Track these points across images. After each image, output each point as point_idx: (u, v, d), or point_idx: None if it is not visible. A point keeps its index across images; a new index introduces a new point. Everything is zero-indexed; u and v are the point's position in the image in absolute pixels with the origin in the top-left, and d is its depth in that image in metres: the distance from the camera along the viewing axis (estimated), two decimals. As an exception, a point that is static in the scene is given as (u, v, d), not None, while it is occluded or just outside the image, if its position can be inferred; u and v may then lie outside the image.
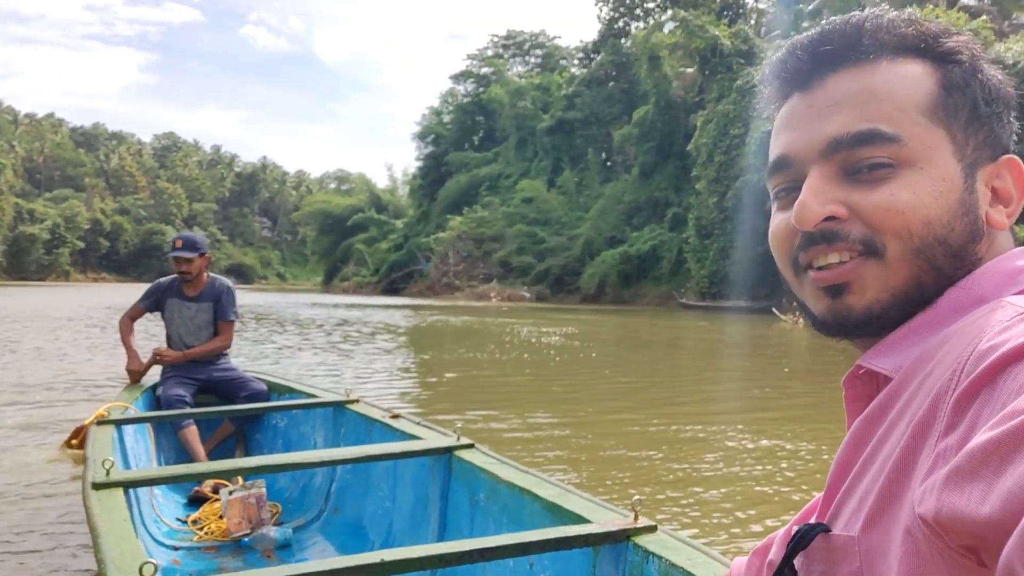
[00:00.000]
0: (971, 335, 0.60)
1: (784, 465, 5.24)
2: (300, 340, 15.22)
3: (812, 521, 0.68)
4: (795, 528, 0.69)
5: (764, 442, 5.97)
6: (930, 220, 0.67)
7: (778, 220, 0.75)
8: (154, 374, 4.82)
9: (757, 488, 4.69)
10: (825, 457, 5.51)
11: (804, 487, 4.71)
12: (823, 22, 0.73)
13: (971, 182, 0.69)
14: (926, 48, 0.70)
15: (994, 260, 0.69)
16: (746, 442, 5.98)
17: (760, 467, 5.19)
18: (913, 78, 0.69)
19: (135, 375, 4.75)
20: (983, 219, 0.70)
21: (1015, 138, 0.74)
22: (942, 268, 0.68)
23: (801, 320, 22.19)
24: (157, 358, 4.70)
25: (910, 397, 0.62)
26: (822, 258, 0.69)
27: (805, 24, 41.97)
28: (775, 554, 0.79)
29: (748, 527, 3.96)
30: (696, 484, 4.72)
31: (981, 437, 0.50)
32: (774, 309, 27.86)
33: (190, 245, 4.69)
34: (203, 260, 4.76)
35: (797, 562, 0.67)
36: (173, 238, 4.78)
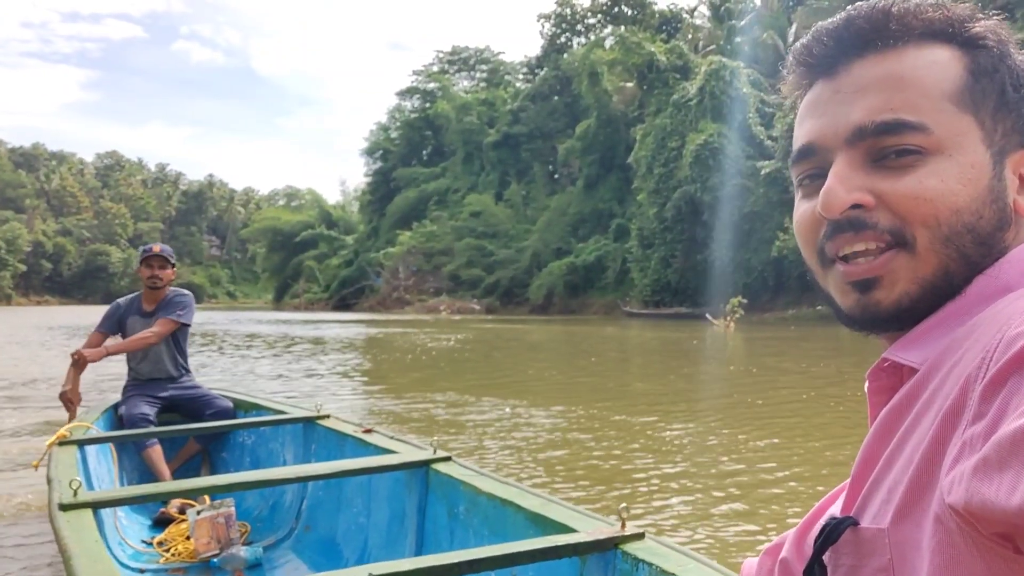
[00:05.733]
0: (1000, 322, 0.59)
1: (739, 465, 5.62)
2: (256, 357, 15.72)
3: (836, 515, 0.68)
4: (821, 522, 0.68)
5: (711, 439, 6.58)
6: (959, 208, 0.66)
7: (803, 208, 0.74)
8: (114, 392, 4.71)
9: (718, 487, 4.96)
10: (777, 454, 6.14)
11: (767, 487, 4.98)
12: (849, 7, 0.72)
13: (999, 169, 0.68)
14: (953, 33, 0.69)
15: (1020, 248, 0.68)
16: (689, 437, 6.57)
17: (709, 467, 5.62)
18: (940, 64, 0.68)
19: (64, 397, 4.28)
20: (1011, 207, 0.69)
21: None
22: (970, 257, 0.67)
23: (732, 324, 23.25)
24: (75, 359, 4.30)
25: (938, 386, 0.62)
26: (848, 247, 0.69)
27: (738, 39, 43.45)
28: (788, 552, 0.81)
29: (724, 530, 4.14)
30: (658, 486, 5.05)
31: (1010, 426, 0.49)
32: (708, 315, 28.90)
33: (167, 251, 4.66)
34: (172, 273, 4.68)
35: (826, 557, 0.67)
36: (147, 245, 4.69)
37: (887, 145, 0.67)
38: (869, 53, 0.70)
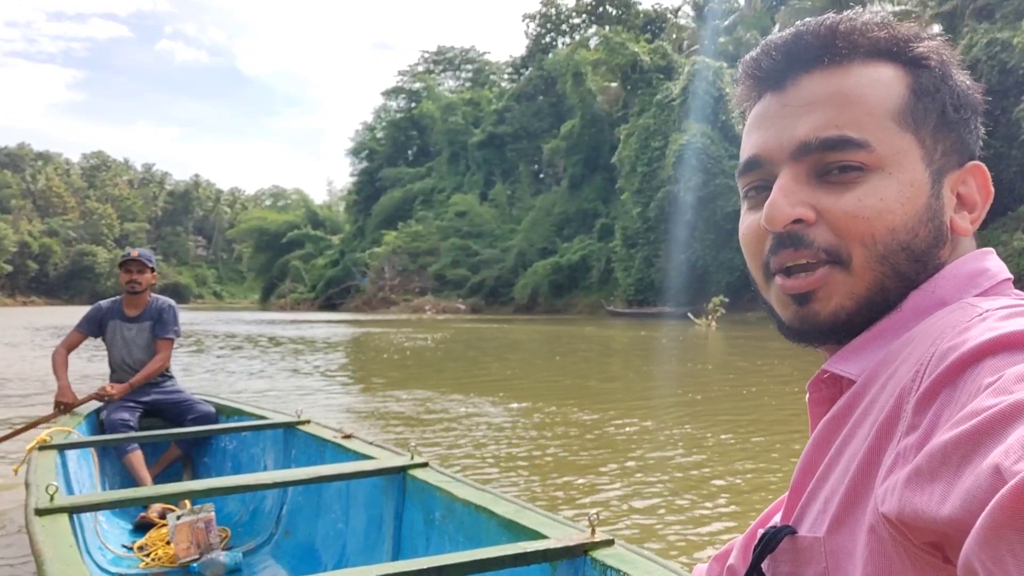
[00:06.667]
0: (933, 336, 0.60)
1: (711, 466, 5.75)
2: (238, 357, 15.91)
3: (776, 523, 0.69)
4: (761, 531, 0.69)
5: (696, 441, 6.76)
6: (895, 227, 0.67)
7: (748, 221, 0.75)
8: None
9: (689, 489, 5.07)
10: (741, 455, 6.35)
11: (738, 489, 5.09)
12: (798, 23, 0.74)
13: (938, 188, 0.70)
14: (898, 52, 0.71)
15: (955, 263, 0.69)
16: (673, 441, 6.72)
17: (690, 468, 5.73)
18: (884, 82, 0.70)
19: (67, 408, 4.48)
20: (947, 224, 0.70)
21: (980, 144, 0.75)
22: (905, 273, 0.68)
23: (714, 323, 23.63)
24: (105, 398, 4.48)
25: (874, 398, 0.63)
26: (790, 261, 0.70)
27: (721, 39, 43.80)
28: (735, 559, 0.84)
29: (686, 531, 4.25)
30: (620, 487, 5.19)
31: (941, 437, 0.51)
32: (689, 314, 29.22)
33: (145, 255, 4.68)
34: (152, 277, 4.69)
35: (764, 565, 0.68)
36: (127, 251, 4.73)
37: (831, 161, 0.69)
38: (816, 69, 0.71)
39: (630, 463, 5.86)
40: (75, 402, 4.51)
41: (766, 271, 0.74)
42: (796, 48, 0.72)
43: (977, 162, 0.73)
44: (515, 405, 8.76)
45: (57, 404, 4.50)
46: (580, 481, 5.35)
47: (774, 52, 0.73)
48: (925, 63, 0.71)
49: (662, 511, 4.63)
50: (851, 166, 0.68)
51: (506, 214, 55.47)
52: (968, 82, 0.73)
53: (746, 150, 0.76)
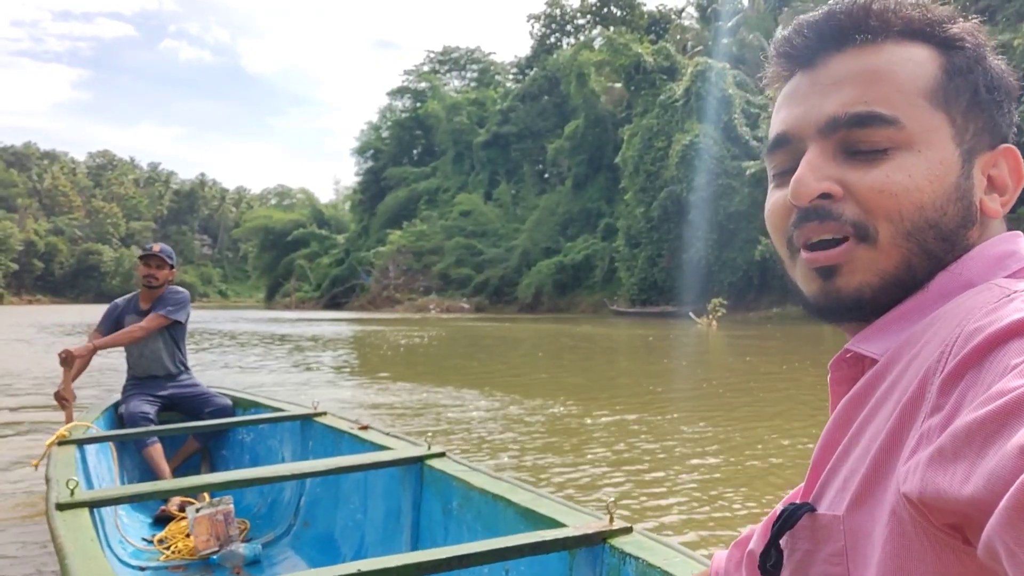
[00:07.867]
0: (959, 317, 0.60)
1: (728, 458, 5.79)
2: (240, 354, 16.22)
3: (797, 502, 0.69)
4: (779, 508, 0.70)
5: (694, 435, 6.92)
6: (923, 204, 0.67)
7: (775, 197, 0.75)
8: (114, 391, 4.73)
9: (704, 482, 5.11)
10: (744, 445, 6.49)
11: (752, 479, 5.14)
12: (831, 1, 0.73)
13: (968, 168, 0.69)
14: (931, 33, 0.70)
15: (983, 244, 0.69)
16: (677, 434, 6.79)
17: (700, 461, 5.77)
18: (916, 61, 0.69)
19: (59, 396, 4.27)
20: (977, 206, 0.69)
21: (1015, 129, 0.74)
22: (933, 252, 0.67)
23: (715, 323, 23.60)
24: (63, 357, 4.29)
25: (897, 378, 0.62)
26: (815, 236, 0.70)
27: (724, 40, 43.87)
28: (755, 543, 0.84)
29: (701, 515, 4.31)
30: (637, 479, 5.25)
31: (965, 418, 0.50)
32: (691, 314, 29.35)
33: (166, 252, 4.70)
34: (170, 273, 4.72)
35: (783, 542, 0.67)
36: (149, 244, 4.71)
37: (859, 138, 0.68)
38: (848, 47, 0.71)
39: (624, 454, 5.98)
40: (66, 386, 4.29)
41: (790, 246, 0.73)
42: (828, 26, 0.71)
43: (1010, 145, 0.72)
44: (505, 398, 8.98)
45: (56, 399, 4.36)
46: (579, 470, 5.46)
47: (806, 30, 0.73)
48: (959, 44, 0.71)
49: (666, 500, 4.72)
50: (879, 142, 0.68)
51: (510, 213, 55.63)
52: (1003, 66, 0.73)
53: (775, 127, 0.75)
